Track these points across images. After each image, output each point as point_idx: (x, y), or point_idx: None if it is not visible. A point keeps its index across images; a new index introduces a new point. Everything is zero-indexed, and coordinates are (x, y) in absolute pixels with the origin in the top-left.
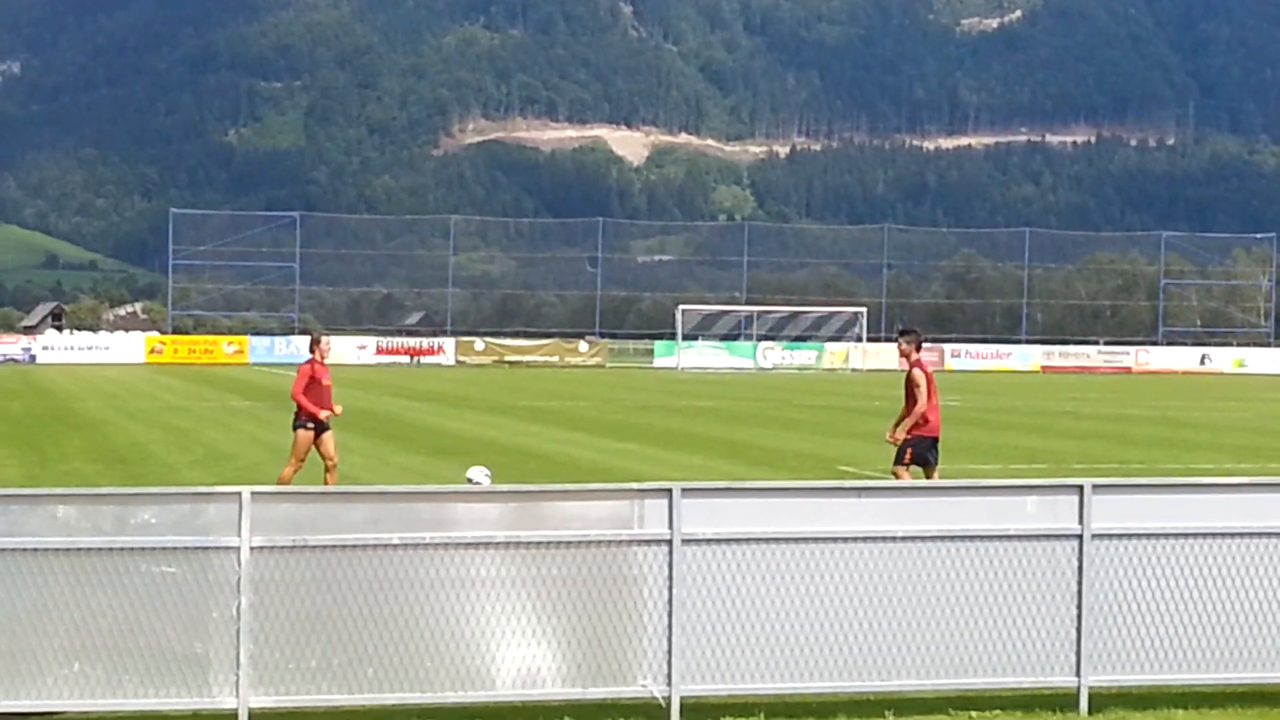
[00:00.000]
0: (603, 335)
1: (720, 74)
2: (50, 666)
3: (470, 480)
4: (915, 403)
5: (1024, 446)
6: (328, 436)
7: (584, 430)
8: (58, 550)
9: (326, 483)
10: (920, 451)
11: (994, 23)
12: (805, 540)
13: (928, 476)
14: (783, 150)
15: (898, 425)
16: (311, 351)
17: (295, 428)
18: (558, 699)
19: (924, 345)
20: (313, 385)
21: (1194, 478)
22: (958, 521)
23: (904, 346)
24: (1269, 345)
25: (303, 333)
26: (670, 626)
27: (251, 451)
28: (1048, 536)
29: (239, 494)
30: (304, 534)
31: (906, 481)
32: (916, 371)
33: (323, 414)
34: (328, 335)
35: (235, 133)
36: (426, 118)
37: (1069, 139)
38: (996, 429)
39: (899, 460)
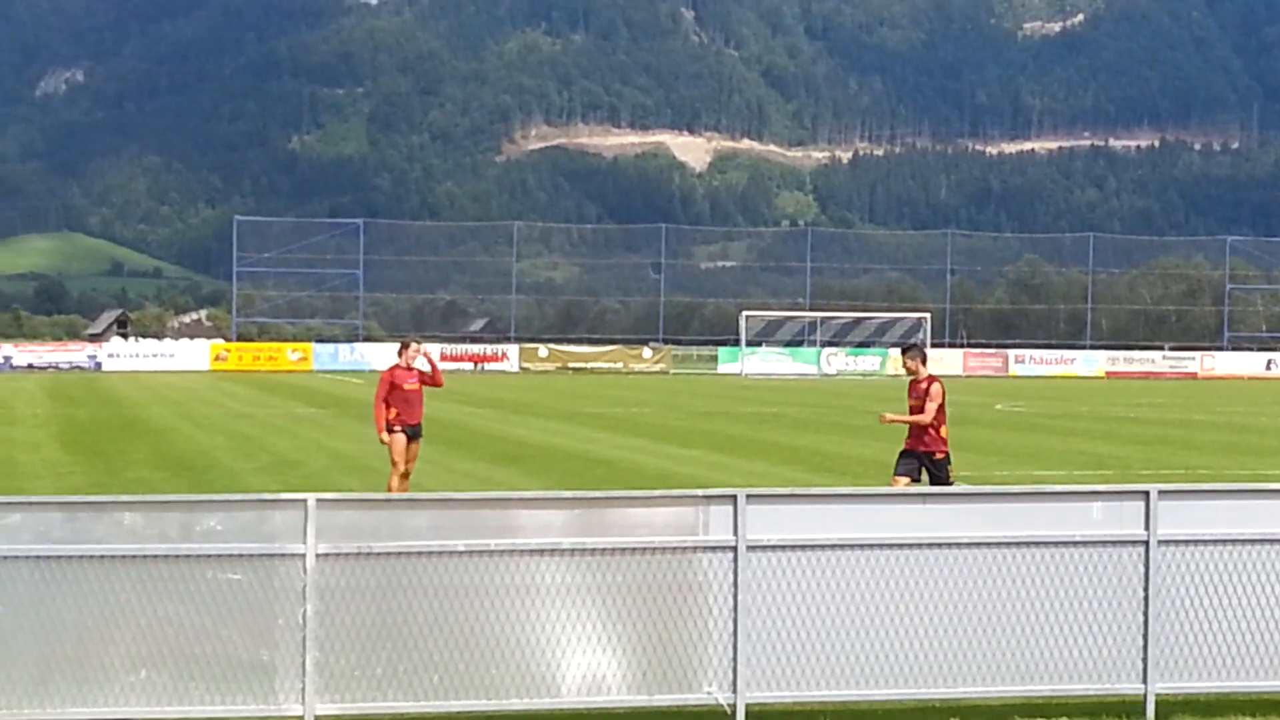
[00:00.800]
0: (666, 341)
1: (782, 79)
2: (117, 674)
3: None
4: (922, 411)
5: (1089, 452)
6: (415, 444)
7: (648, 437)
8: (124, 557)
9: (399, 489)
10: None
11: (1056, 26)
12: (870, 547)
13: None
14: (845, 155)
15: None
16: (399, 356)
17: (389, 432)
18: (623, 706)
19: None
20: (395, 391)
21: (1261, 483)
22: (1023, 528)
23: (909, 364)
24: None
25: (366, 340)
26: (735, 633)
27: (316, 458)
28: (1114, 543)
29: (304, 501)
30: (368, 541)
31: (973, 488)
32: (936, 386)
33: (383, 436)
34: (419, 342)
35: (298, 139)
36: (489, 124)
37: (1133, 143)
38: (1061, 435)
39: (943, 479)
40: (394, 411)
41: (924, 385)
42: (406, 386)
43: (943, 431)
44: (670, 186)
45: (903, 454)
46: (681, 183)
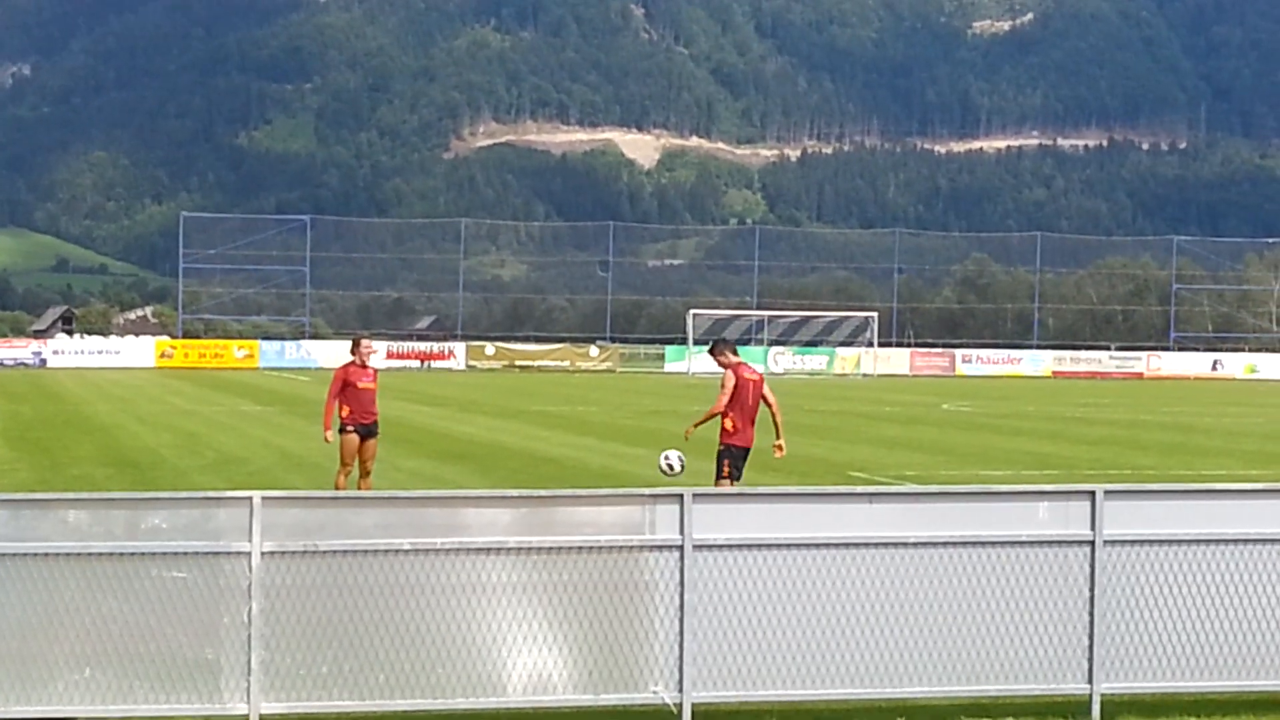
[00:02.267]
0: (614, 340)
1: (731, 77)
2: (61, 672)
3: (667, 464)
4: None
5: (1035, 452)
6: (371, 442)
7: (595, 435)
8: (69, 555)
9: (360, 487)
10: (735, 462)
11: (1005, 25)
12: (816, 546)
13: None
14: (794, 154)
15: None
16: (352, 354)
17: (340, 431)
18: (569, 705)
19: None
20: (348, 389)
21: (1206, 484)
22: (969, 527)
23: (720, 359)
24: None
25: (313, 337)
26: (681, 632)
27: (262, 456)
28: (1060, 542)
29: (250, 499)
30: (314, 539)
31: (919, 487)
32: (727, 373)
33: (328, 434)
34: (370, 339)
35: (245, 135)
36: (437, 120)
37: (1081, 143)
38: (1008, 434)
39: (719, 475)
40: (347, 410)
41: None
42: (361, 385)
43: (726, 423)
44: (618, 184)
45: (723, 454)
46: (630, 180)
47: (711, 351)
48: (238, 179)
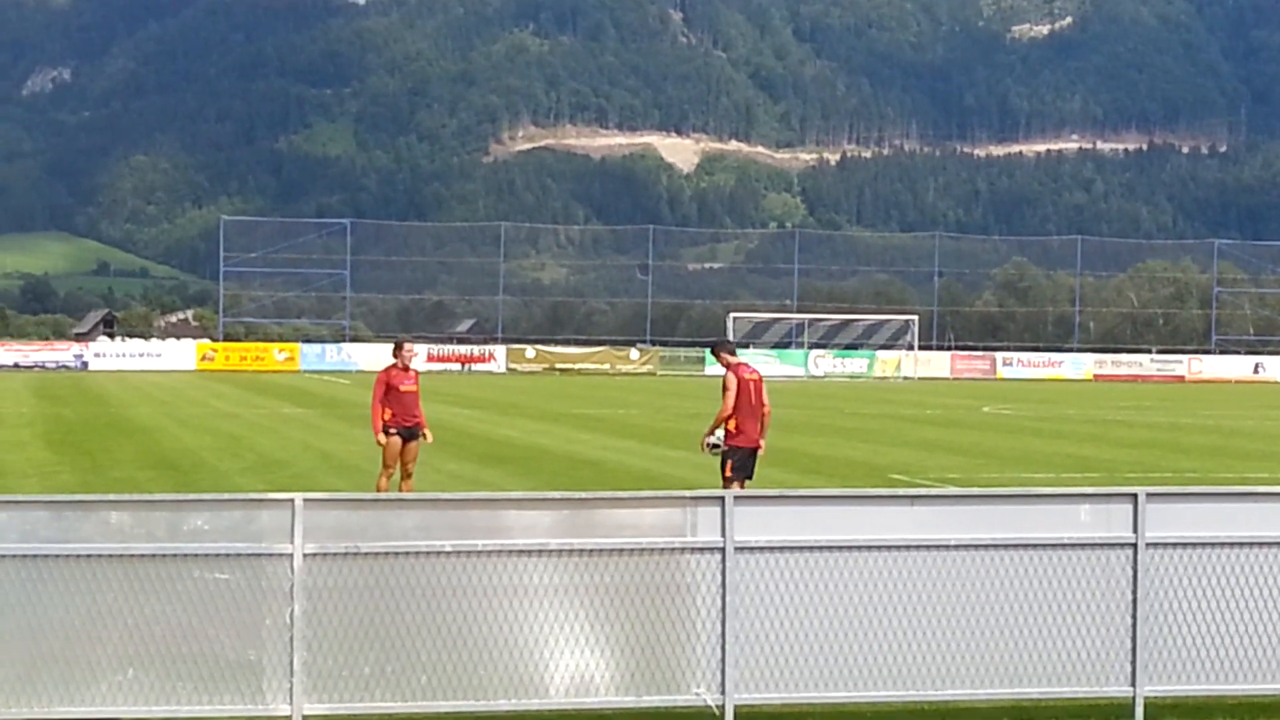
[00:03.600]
0: (653, 343)
1: (770, 81)
2: (104, 673)
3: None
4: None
5: (1077, 455)
6: (413, 444)
7: (635, 438)
8: (111, 556)
9: (401, 489)
10: (739, 462)
11: (1045, 29)
12: (858, 548)
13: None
14: (833, 157)
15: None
16: (394, 357)
17: (386, 435)
18: (611, 707)
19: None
20: (391, 392)
21: (1248, 486)
22: (1011, 530)
23: (721, 360)
24: None
25: (353, 340)
26: (723, 634)
27: (303, 458)
28: (1102, 545)
29: (292, 500)
30: (356, 541)
31: (961, 489)
32: (728, 374)
33: (380, 437)
34: (411, 342)
35: (285, 140)
36: (476, 124)
37: (1120, 146)
38: (1049, 438)
39: (723, 477)
40: (389, 413)
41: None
42: (403, 388)
43: (729, 424)
44: (658, 188)
45: (726, 454)
46: (669, 184)
47: (713, 352)
48: (278, 183)
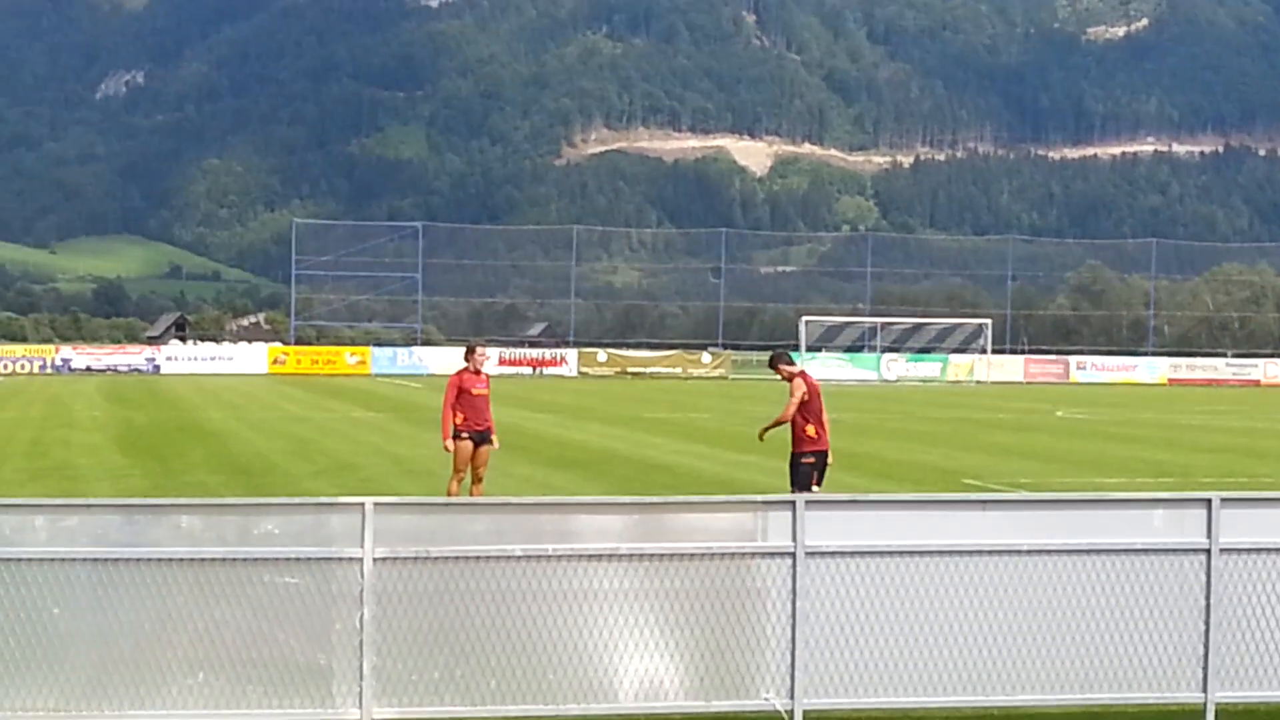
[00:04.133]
0: (726, 346)
1: (844, 83)
2: (174, 677)
3: None
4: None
5: (1151, 460)
6: (484, 449)
7: (707, 442)
8: (181, 560)
9: (472, 494)
10: (820, 468)
11: (1120, 31)
12: (929, 553)
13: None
14: (906, 160)
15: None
16: (466, 361)
17: (454, 438)
18: (680, 711)
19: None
20: (463, 396)
21: None
22: (1083, 535)
23: (782, 371)
24: None
25: (425, 343)
26: (793, 639)
27: (374, 463)
28: (1175, 551)
29: (362, 505)
30: (426, 545)
31: (1033, 494)
32: (797, 380)
33: (448, 443)
34: (484, 346)
35: (358, 143)
36: (549, 127)
37: (1196, 149)
38: (1123, 442)
39: (806, 486)
40: (461, 417)
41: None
42: (475, 391)
43: (808, 430)
44: (730, 191)
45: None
46: (742, 187)
47: (772, 364)
48: (350, 186)
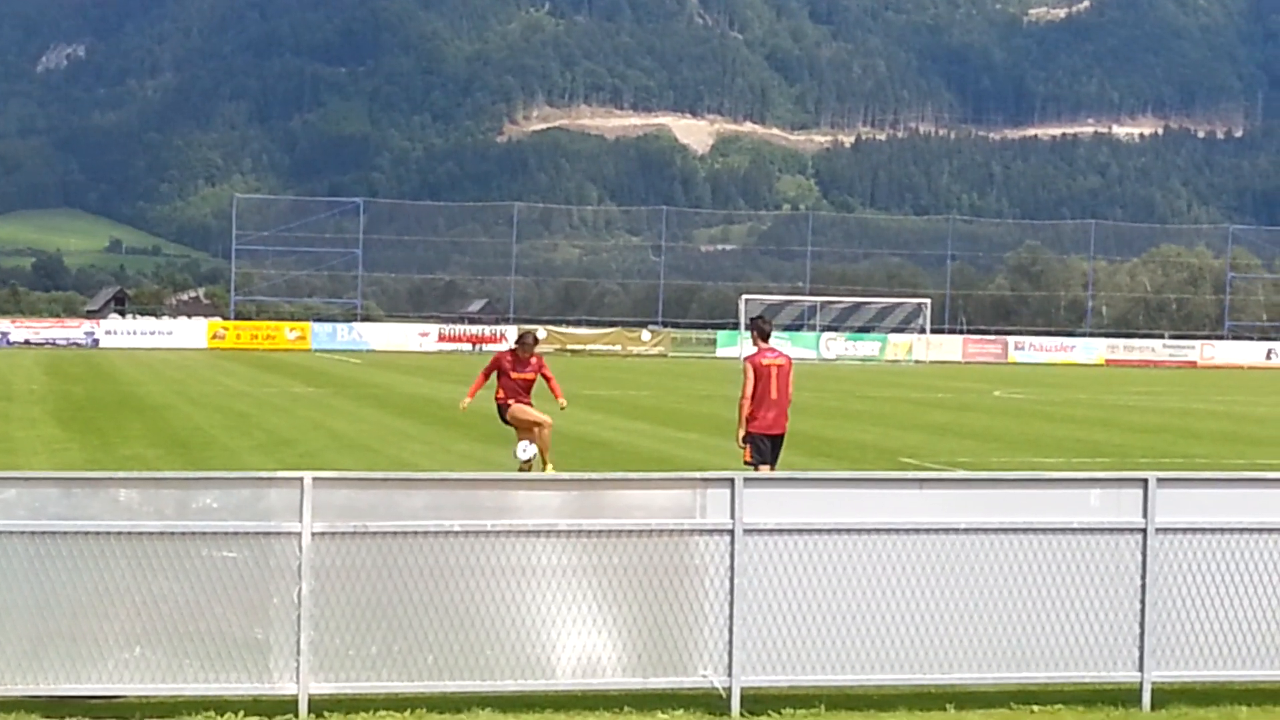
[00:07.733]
0: (665, 324)
1: (786, 63)
2: (111, 650)
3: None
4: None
5: (1088, 440)
6: (545, 432)
7: (646, 419)
8: (119, 534)
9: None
10: (757, 446)
11: (1061, 13)
12: (867, 531)
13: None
14: (847, 140)
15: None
16: (516, 344)
17: (500, 412)
18: (618, 688)
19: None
20: (503, 378)
21: (1259, 472)
22: (1020, 514)
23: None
24: None
25: (365, 319)
26: (731, 617)
27: (313, 437)
28: (1111, 530)
29: (301, 479)
30: (365, 520)
31: (970, 473)
32: (745, 362)
33: (463, 404)
34: (535, 337)
35: (299, 118)
36: (490, 104)
37: (1136, 130)
38: (1060, 422)
39: (744, 461)
40: (501, 391)
41: None
42: (514, 374)
43: (749, 409)
44: (672, 169)
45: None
46: (683, 165)
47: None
48: (292, 161)
